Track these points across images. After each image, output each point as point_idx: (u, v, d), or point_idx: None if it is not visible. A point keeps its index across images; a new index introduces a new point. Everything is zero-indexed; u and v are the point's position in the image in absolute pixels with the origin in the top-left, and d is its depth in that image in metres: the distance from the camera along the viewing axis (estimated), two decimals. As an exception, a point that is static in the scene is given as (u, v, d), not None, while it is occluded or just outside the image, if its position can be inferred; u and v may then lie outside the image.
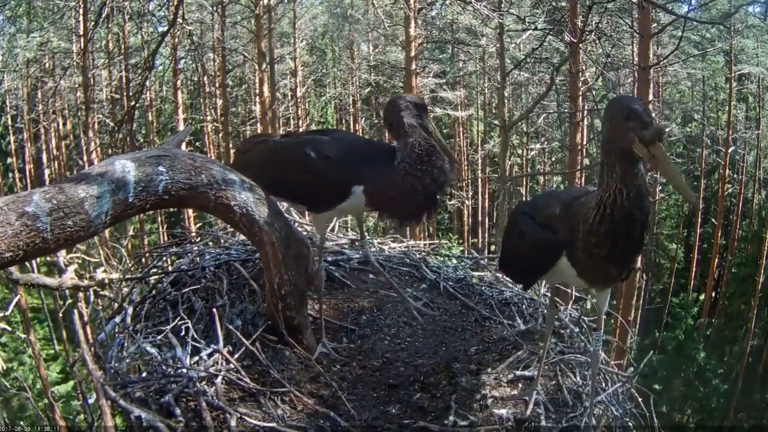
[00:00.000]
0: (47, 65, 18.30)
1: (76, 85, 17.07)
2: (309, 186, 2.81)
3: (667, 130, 16.95)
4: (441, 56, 20.07)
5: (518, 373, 2.93)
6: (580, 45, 10.24)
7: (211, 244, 4.01)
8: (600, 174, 2.07)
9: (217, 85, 18.42)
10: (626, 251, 2.14)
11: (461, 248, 17.98)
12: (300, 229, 3.89)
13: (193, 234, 4.46)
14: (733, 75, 17.36)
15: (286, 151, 2.90)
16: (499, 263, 2.92)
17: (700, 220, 19.60)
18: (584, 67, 12.95)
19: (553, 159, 22.60)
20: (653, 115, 1.94)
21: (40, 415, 11.84)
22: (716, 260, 19.47)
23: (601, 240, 2.09)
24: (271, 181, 2.84)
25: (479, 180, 21.36)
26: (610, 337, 3.91)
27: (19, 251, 2.09)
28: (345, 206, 2.83)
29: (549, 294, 3.01)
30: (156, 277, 3.58)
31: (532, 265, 2.47)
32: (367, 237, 3.66)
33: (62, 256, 3.87)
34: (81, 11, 13.45)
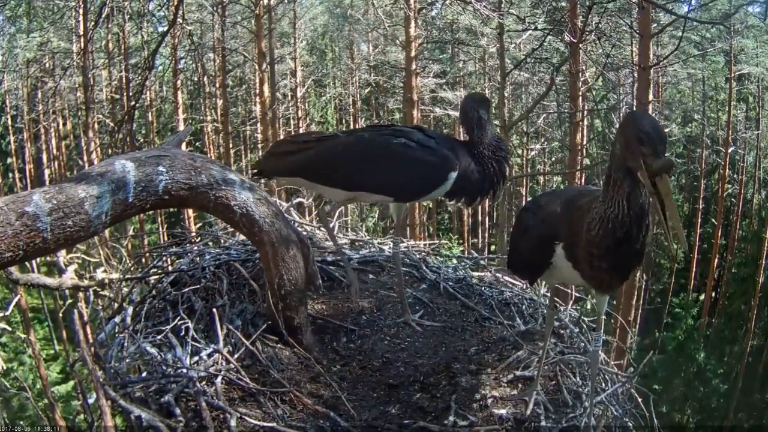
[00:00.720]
0: (47, 65, 18.29)
1: (76, 85, 17.07)
2: (407, 176, 2.95)
3: (666, 130, 16.97)
4: (441, 56, 20.07)
5: (518, 373, 2.94)
6: (580, 45, 10.24)
7: (211, 244, 4.01)
8: (605, 186, 2.05)
9: (217, 85, 18.42)
10: (626, 264, 2.16)
11: (461, 248, 17.98)
12: (300, 229, 3.89)
13: (193, 234, 4.46)
14: (733, 75, 17.35)
15: (378, 144, 2.97)
16: (507, 261, 2.96)
17: (700, 220, 19.60)
18: (584, 67, 12.95)
19: (553, 159, 22.60)
20: (664, 141, 1.89)
21: (40, 415, 11.83)
22: (716, 260, 19.46)
23: (602, 253, 2.11)
24: (354, 174, 2.95)
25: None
26: (610, 337, 3.91)
27: (19, 251, 2.09)
28: (433, 194, 3.03)
29: (549, 294, 3.02)
30: (156, 277, 3.58)
31: (532, 260, 2.51)
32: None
33: (62, 256, 3.87)
34: (81, 11, 13.44)
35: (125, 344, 2.89)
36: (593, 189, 2.40)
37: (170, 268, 3.69)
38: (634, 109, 10.94)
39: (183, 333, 2.85)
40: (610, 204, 2.03)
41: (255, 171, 3.23)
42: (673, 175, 22.39)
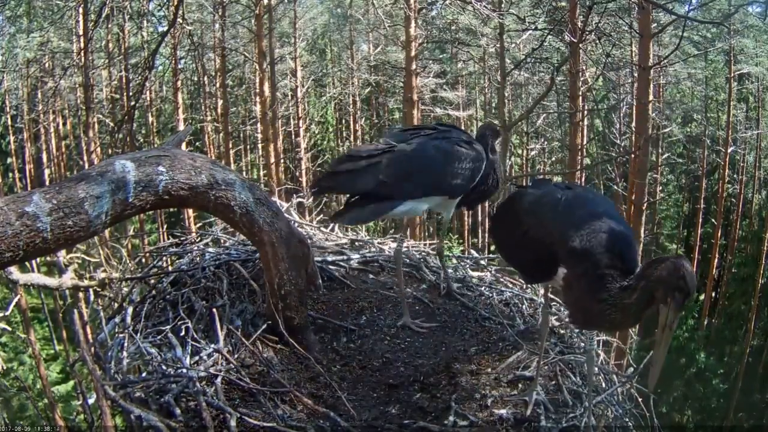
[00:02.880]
0: (47, 65, 18.28)
1: (76, 85, 17.05)
2: (465, 173, 3.21)
3: (666, 130, 16.98)
4: (441, 56, 20.07)
5: (518, 373, 2.93)
6: (580, 45, 10.23)
7: (211, 244, 4.01)
8: (627, 291, 2.18)
9: (217, 85, 18.41)
10: (603, 330, 2.51)
11: (461, 248, 17.97)
12: (300, 229, 3.89)
13: (193, 234, 4.45)
14: (733, 75, 17.35)
15: (444, 149, 3.16)
16: (501, 250, 3.00)
17: (700, 220, 19.60)
18: (584, 67, 12.95)
19: (553, 159, 22.60)
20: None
21: (40, 415, 11.83)
22: (716, 260, 19.45)
23: (596, 322, 2.35)
24: (431, 180, 3.14)
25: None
26: (610, 338, 3.90)
27: (19, 251, 2.09)
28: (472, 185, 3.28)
29: (545, 294, 3.01)
30: (156, 277, 3.58)
31: (535, 270, 2.59)
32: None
33: (62, 256, 3.87)
34: (81, 11, 13.44)
35: (125, 344, 2.89)
36: (600, 213, 2.40)
37: (170, 268, 3.69)
38: (634, 104, 10.93)
39: (183, 333, 2.85)
40: (617, 308, 2.21)
41: (316, 190, 3.22)
42: (675, 176, 22.39)
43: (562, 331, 3.45)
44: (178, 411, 2.42)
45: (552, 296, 3.38)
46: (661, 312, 2.11)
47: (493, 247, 18.11)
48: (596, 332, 2.71)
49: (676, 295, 2.06)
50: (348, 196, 3.13)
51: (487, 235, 21.39)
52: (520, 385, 2.87)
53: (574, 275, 2.30)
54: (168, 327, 2.90)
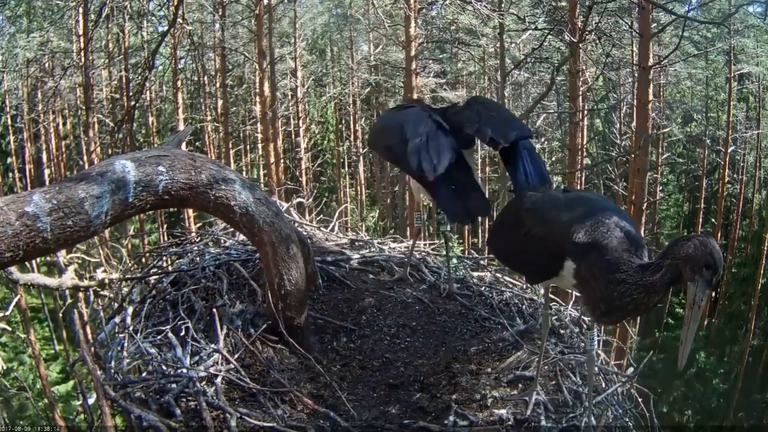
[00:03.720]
0: (47, 65, 18.26)
1: (76, 85, 17.06)
2: None
3: (666, 130, 16.98)
4: (441, 56, 20.07)
5: (518, 373, 2.93)
6: (580, 45, 10.23)
7: (211, 244, 4.01)
8: (648, 268, 2.17)
9: (217, 85, 18.42)
10: (626, 319, 2.40)
11: (461, 248, 17.98)
12: (300, 229, 3.89)
13: (193, 234, 4.45)
14: (733, 75, 17.34)
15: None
16: (498, 253, 2.99)
17: (700, 220, 19.59)
18: (584, 67, 12.94)
19: (553, 159, 22.60)
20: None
21: (40, 415, 11.84)
22: (716, 260, 19.40)
23: (615, 310, 2.27)
24: None
25: (479, 180, 21.31)
26: (610, 338, 3.91)
27: (19, 251, 2.09)
28: None
29: (545, 294, 3.01)
30: (156, 277, 3.57)
31: (539, 269, 2.57)
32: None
33: (62, 256, 3.88)
34: (81, 11, 13.44)
35: (125, 344, 2.88)
36: (602, 208, 2.40)
37: (170, 268, 3.69)
38: (634, 104, 10.94)
39: (183, 333, 2.85)
40: (640, 290, 2.18)
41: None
42: (675, 176, 22.40)
43: (562, 331, 3.45)
44: (178, 411, 2.42)
45: (552, 296, 3.38)
46: (689, 290, 2.09)
47: (493, 247, 18.11)
48: (597, 333, 2.70)
49: (705, 272, 2.05)
50: None
51: (487, 234, 21.41)
52: (520, 385, 2.87)
53: (586, 267, 2.28)
54: (168, 327, 2.90)
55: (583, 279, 2.32)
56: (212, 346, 2.77)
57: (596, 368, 2.98)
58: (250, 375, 2.67)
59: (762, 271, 17.33)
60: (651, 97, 10.48)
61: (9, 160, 20.62)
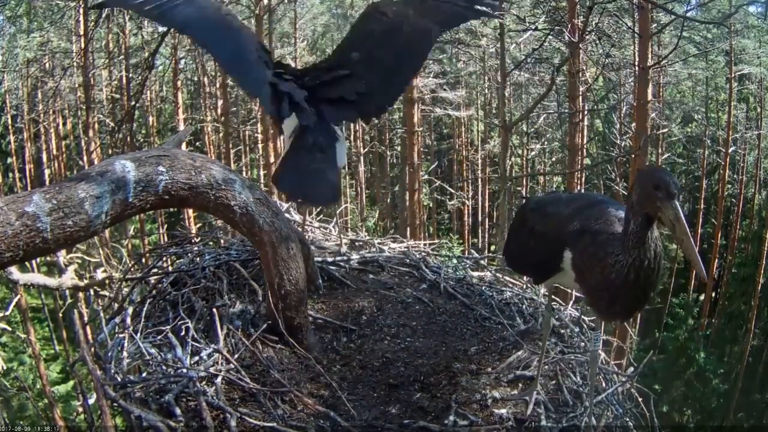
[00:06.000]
0: (47, 65, 18.27)
1: (76, 85, 17.05)
2: None
3: (666, 130, 16.97)
4: (441, 56, 20.04)
5: (518, 373, 2.93)
6: (580, 45, 10.23)
7: (211, 244, 4.01)
8: (624, 236, 2.15)
9: (217, 85, 18.41)
10: (635, 305, 2.29)
11: (461, 248, 17.98)
12: (300, 229, 3.89)
13: (193, 234, 4.46)
14: (733, 75, 17.33)
15: None
16: (507, 258, 3.00)
17: (700, 220, 19.59)
18: (584, 67, 12.94)
19: (553, 159, 22.60)
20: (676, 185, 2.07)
21: (40, 415, 11.83)
22: (716, 260, 19.44)
23: (616, 296, 2.23)
24: None
25: (479, 180, 21.35)
26: (610, 337, 3.90)
27: (19, 251, 2.09)
28: None
29: (547, 295, 3.02)
30: (156, 277, 3.57)
31: (541, 264, 2.56)
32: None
33: (62, 256, 3.88)
34: (81, 11, 13.44)
35: (125, 344, 2.88)
36: (599, 201, 2.43)
37: (170, 269, 3.69)
38: (634, 104, 10.96)
39: (183, 333, 2.85)
40: (629, 254, 2.14)
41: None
42: (675, 175, 22.40)
43: (562, 331, 3.45)
44: (178, 411, 2.42)
45: (552, 296, 3.38)
46: (664, 222, 2.06)
47: (493, 247, 18.14)
48: (600, 332, 2.70)
49: (660, 194, 2.01)
50: None
51: (487, 234, 21.42)
52: (520, 385, 2.87)
53: (579, 255, 2.29)
54: (168, 327, 2.90)
55: (579, 269, 2.31)
56: (212, 346, 2.77)
57: (597, 368, 2.98)
58: (250, 375, 2.67)
59: (762, 271, 17.32)
60: (651, 97, 10.48)
61: (9, 160, 20.61)
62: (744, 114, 19.56)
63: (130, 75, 16.33)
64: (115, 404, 2.48)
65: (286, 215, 3.64)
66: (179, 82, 17.54)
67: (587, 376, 2.96)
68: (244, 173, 20.29)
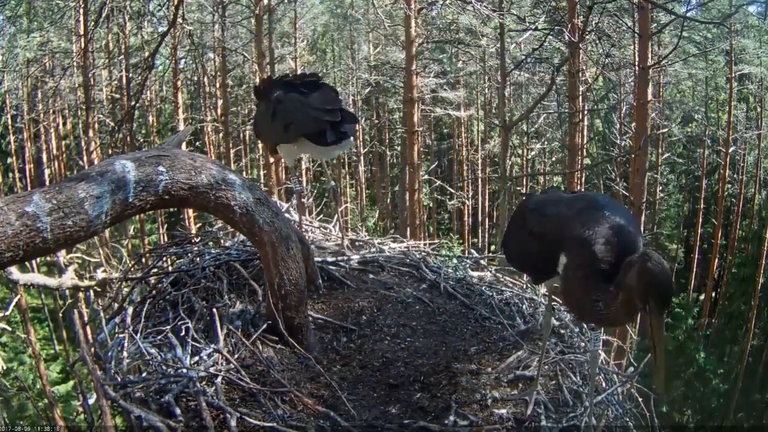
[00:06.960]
0: (47, 65, 18.26)
1: (76, 85, 17.04)
2: None
3: (666, 130, 16.97)
4: (441, 56, 20.05)
5: (518, 373, 2.93)
6: (580, 45, 10.23)
7: (211, 244, 4.01)
8: (612, 295, 2.14)
9: (217, 85, 18.40)
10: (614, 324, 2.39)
11: (461, 248, 17.97)
12: (300, 229, 3.88)
13: (193, 234, 4.45)
14: (733, 75, 17.34)
15: None
16: (507, 255, 2.99)
17: (700, 220, 19.60)
18: (584, 67, 12.94)
19: (553, 159, 22.60)
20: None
21: (40, 415, 11.83)
22: (716, 260, 19.45)
23: (596, 320, 2.30)
24: None
25: (479, 180, 21.36)
26: (610, 337, 3.90)
27: (19, 251, 2.08)
28: None
29: (547, 295, 3.02)
30: (156, 277, 3.57)
31: (539, 265, 2.54)
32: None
33: (62, 256, 3.88)
34: (81, 11, 13.43)
35: (125, 344, 2.88)
36: (601, 205, 2.38)
37: (170, 269, 3.69)
38: (634, 104, 10.95)
39: (183, 333, 2.85)
40: (609, 305, 2.15)
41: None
42: (675, 176, 22.37)
43: (562, 331, 3.45)
44: (178, 411, 2.42)
45: (552, 296, 3.38)
46: (647, 317, 2.02)
47: (493, 247, 18.14)
48: (600, 332, 2.70)
49: (651, 303, 1.95)
50: None
51: (487, 234, 21.42)
52: (520, 385, 2.87)
53: (571, 265, 2.26)
54: (168, 327, 2.90)
55: (565, 277, 2.29)
56: (212, 346, 2.77)
57: (597, 368, 2.98)
58: (250, 375, 2.67)
59: (762, 271, 17.32)
60: (651, 97, 10.48)
61: (9, 160, 20.61)
62: (744, 114, 19.56)
63: (130, 75, 16.33)
64: (115, 404, 2.47)
65: (286, 215, 3.64)
66: (179, 82, 17.53)
67: (587, 376, 2.96)
68: (244, 173, 20.30)
